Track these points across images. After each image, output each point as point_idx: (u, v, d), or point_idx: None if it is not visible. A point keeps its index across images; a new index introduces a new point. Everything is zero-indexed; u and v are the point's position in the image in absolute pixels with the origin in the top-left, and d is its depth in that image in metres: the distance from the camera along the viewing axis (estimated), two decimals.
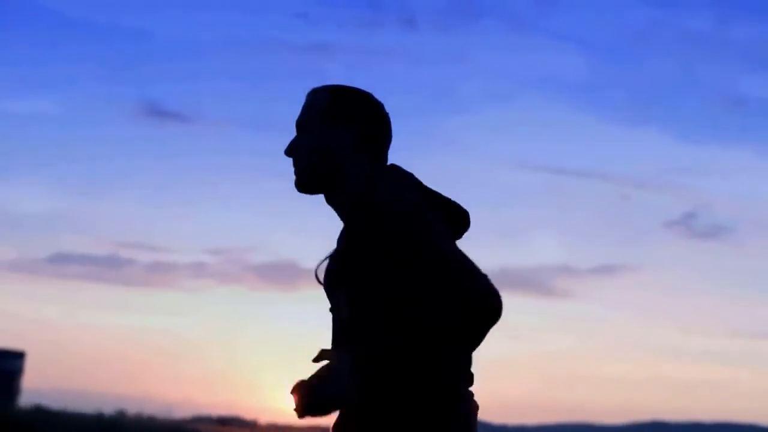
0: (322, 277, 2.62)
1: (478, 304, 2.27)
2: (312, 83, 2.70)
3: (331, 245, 2.61)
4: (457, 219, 2.57)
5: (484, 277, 2.31)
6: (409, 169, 2.58)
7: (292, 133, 2.68)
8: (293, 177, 2.65)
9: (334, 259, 2.57)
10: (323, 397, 2.37)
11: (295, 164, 2.65)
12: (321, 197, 2.66)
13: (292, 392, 2.43)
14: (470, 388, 2.49)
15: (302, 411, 2.42)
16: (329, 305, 2.59)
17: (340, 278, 2.51)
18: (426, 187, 2.56)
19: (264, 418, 28.91)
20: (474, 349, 2.43)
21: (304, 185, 2.64)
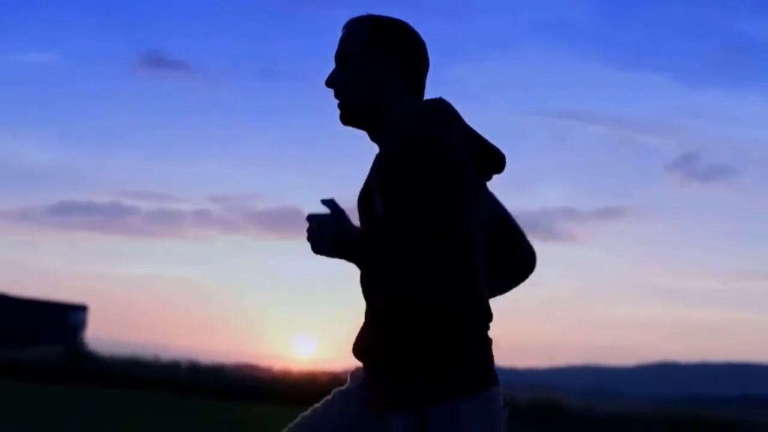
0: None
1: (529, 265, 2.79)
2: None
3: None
4: (492, 161, 2.63)
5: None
6: (449, 103, 2.63)
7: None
8: (337, 110, 2.66)
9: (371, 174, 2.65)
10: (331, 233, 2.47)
11: (338, 96, 2.66)
12: (362, 135, 2.68)
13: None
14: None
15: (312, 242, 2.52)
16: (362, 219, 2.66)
17: (373, 189, 2.57)
18: (467, 126, 2.61)
19: (276, 366, 29.00)
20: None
21: (351, 118, 2.66)
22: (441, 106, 2.60)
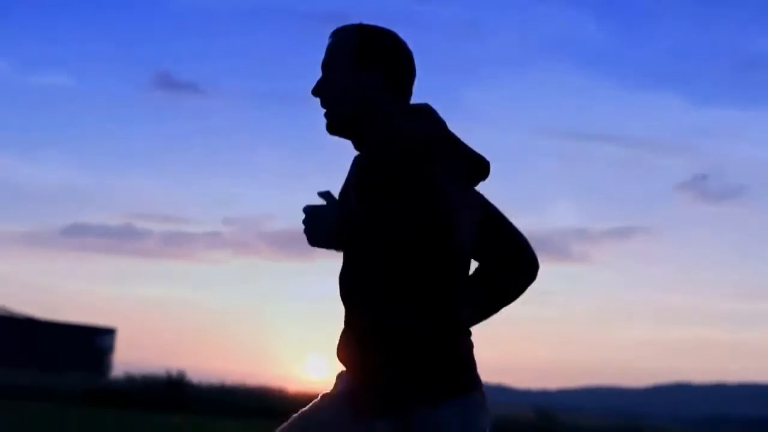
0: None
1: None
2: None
3: None
4: (476, 167, 2.61)
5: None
6: (435, 111, 2.63)
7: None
8: (323, 119, 2.65)
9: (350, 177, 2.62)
10: (320, 224, 2.48)
11: (325, 105, 2.65)
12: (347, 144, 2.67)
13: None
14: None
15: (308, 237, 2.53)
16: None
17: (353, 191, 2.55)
18: (450, 132, 2.61)
19: (290, 387, 29.31)
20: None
21: (337, 127, 2.64)
22: (425, 110, 2.61)
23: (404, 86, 2.64)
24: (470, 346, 2.58)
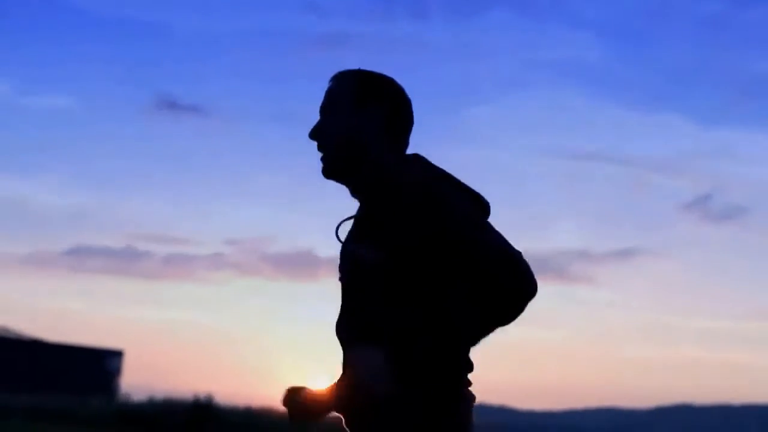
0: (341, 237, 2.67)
1: (525, 289, 2.43)
2: (327, 75, 2.70)
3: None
4: (478, 204, 2.58)
5: (524, 261, 2.44)
6: (427, 158, 2.62)
7: (308, 124, 2.67)
8: (320, 163, 2.65)
9: (355, 232, 2.61)
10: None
11: (321, 149, 2.63)
12: (344, 189, 2.66)
13: (285, 402, 2.53)
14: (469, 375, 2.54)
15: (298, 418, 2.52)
16: (339, 275, 2.63)
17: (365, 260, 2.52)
18: (450, 175, 2.59)
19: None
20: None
21: (333, 171, 2.63)
22: (418, 158, 2.61)
23: (402, 132, 2.63)
24: (470, 398, 2.52)
